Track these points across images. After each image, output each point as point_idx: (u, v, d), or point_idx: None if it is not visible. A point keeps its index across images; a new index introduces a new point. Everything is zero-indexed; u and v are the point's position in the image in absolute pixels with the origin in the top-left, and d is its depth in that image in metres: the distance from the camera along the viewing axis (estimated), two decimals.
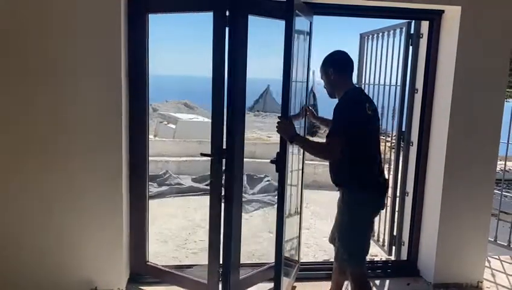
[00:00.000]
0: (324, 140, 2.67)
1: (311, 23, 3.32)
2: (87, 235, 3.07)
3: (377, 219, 4.22)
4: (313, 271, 3.66)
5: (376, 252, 4.31)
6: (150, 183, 3.40)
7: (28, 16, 2.83)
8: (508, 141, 4.27)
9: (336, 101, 2.75)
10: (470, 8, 3.20)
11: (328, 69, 2.75)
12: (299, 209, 3.57)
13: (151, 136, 3.35)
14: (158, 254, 4.09)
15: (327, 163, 2.90)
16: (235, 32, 2.93)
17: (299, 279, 3.45)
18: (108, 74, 2.95)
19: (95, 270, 3.11)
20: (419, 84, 3.61)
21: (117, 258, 3.14)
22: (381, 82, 4.25)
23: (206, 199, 6.68)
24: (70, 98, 2.94)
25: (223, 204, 3.09)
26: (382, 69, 4.20)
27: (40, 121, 2.94)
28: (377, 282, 3.59)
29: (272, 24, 3.04)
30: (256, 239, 4.80)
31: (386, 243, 4.03)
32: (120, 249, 3.13)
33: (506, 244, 4.34)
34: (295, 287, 3.35)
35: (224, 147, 3.04)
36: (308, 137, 3.59)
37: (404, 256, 3.82)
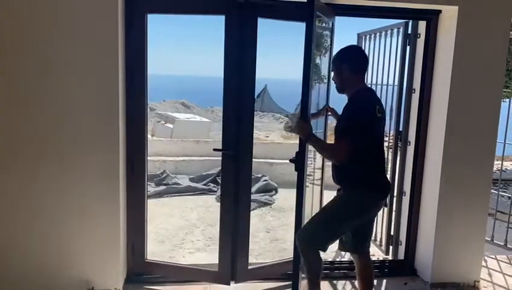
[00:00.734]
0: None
1: (333, 23, 3.39)
2: (84, 235, 3.07)
3: (374, 219, 4.27)
4: (328, 270, 3.64)
5: (373, 252, 4.32)
6: (147, 182, 3.42)
7: (26, 15, 2.82)
8: (504, 141, 4.28)
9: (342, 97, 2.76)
10: (467, 8, 3.20)
11: (342, 64, 2.68)
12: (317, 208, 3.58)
13: (148, 136, 3.36)
14: (155, 253, 4.08)
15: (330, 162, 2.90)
16: (245, 34, 3.11)
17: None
18: (105, 74, 2.94)
19: (92, 270, 3.10)
20: (417, 84, 3.61)
21: (114, 258, 3.13)
22: (379, 82, 4.25)
23: (203, 199, 6.72)
24: (67, 98, 2.93)
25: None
26: (379, 69, 4.21)
27: (37, 121, 2.93)
28: (374, 281, 3.59)
29: (273, 25, 3.10)
30: (253, 239, 4.78)
31: (383, 243, 4.04)
32: (117, 249, 3.12)
33: (502, 244, 4.35)
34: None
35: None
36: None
37: (401, 256, 3.82)
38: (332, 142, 2.73)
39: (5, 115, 2.91)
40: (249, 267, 3.41)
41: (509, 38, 3.34)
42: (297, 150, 2.74)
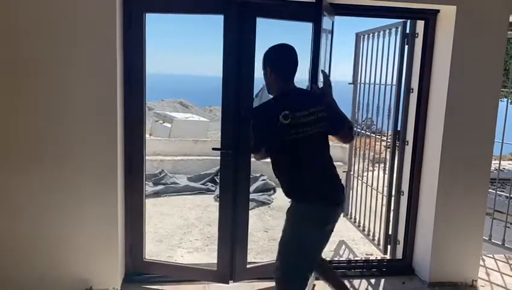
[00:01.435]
0: None
1: (332, 22, 3.39)
2: (82, 234, 3.06)
3: (372, 218, 4.29)
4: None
5: (371, 251, 4.33)
6: (145, 182, 3.43)
7: (24, 15, 2.82)
8: (502, 140, 4.28)
9: None
10: (465, 7, 3.21)
11: (265, 64, 2.50)
12: None
13: (146, 135, 3.36)
14: (153, 253, 4.08)
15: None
16: (244, 34, 3.11)
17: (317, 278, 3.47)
18: (103, 73, 2.94)
19: (90, 269, 3.10)
20: (415, 83, 3.62)
21: (112, 258, 3.13)
22: (377, 81, 4.26)
23: (201, 198, 6.71)
24: (65, 97, 2.93)
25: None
26: (378, 68, 4.22)
27: (35, 121, 2.93)
28: (372, 281, 3.60)
29: (272, 24, 3.12)
30: (252, 238, 4.78)
31: (381, 242, 4.05)
32: (115, 249, 3.12)
33: (500, 243, 4.36)
34: (314, 285, 3.34)
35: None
36: None
37: (399, 255, 3.83)
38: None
39: (2, 115, 2.90)
40: (248, 266, 3.41)
41: (507, 38, 3.34)
42: None
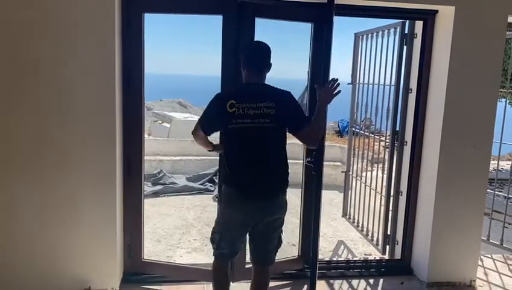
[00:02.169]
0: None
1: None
2: (81, 235, 3.06)
3: (371, 218, 4.29)
4: (325, 270, 3.66)
5: (370, 251, 4.33)
6: (144, 182, 3.43)
7: (23, 15, 2.81)
8: (501, 141, 4.29)
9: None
10: (463, 8, 3.21)
11: (239, 58, 2.66)
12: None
13: (145, 135, 3.35)
14: (152, 253, 4.08)
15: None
16: (242, 34, 3.11)
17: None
18: (102, 73, 2.93)
19: (89, 269, 3.10)
20: (413, 83, 3.62)
21: (111, 258, 3.12)
22: (376, 82, 4.26)
23: (200, 198, 6.71)
24: (63, 98, 2.92)
25: None
26: (376, 68, 4.22)
27: (32, 122, 2.92)
28: (371, 281, 3.61)
29: (270, 25, 3.13)
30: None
31: (380, 242, 4.05)
32: (114, 249, 3.12)
33: (498, 243, 4.36)
34: None
35: None
36: None
37: (398, 255, 3.83)
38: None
39: (1, 115, 2.90)
40: (246, 266, 3.39)
41: (505, 38, 3.35)
42: (315, 152, 2.79)
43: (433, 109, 3.49)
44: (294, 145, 9.34)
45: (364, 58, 4.48)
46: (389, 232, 3.94)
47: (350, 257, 4.28)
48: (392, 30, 3.88)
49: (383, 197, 4.16)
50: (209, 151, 2.82)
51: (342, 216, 5.14)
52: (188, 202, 6.25)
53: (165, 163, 7.82)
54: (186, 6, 3.20)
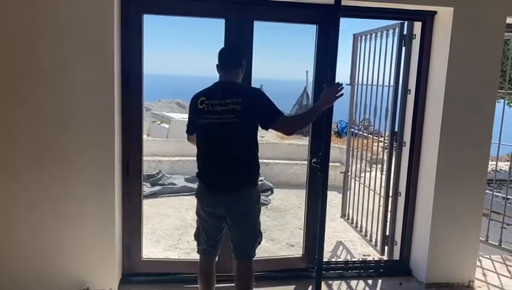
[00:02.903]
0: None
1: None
2: (79, 235, 3.06)
3: (370, 219, 4.29)
4: (323, 271, 3.60)
5: (369, 252, 4.34)
6: (143, 182, 3.44)
7: (23, 16, 2.81)
8: (499, 142, 4.30)
9: None
10: (462, 9, 3.22)
11: None
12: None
13: (144, 136, 3.36)
14: (150, 253, 4.08)
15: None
16: (242, 36, 3.20)
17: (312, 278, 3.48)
18: (101, 73, 2.93)
19: (88, 270, 3.10)
20: (412, 84, 3.62)
21: (109, 259, 3.12)
22: (374, 82, 4.27)
23: None
24: (62, 98, 2.92)
25: None
26: (375, 69, 4.22)
27: (31, 122, 2.92)
28: (369, 282, 3.61)
29: (269, 26, 3.14)
30: None
31: (378, 243, 4.05)
32: (113, 250, 3.12)
33: (497, 244, 4.37)
34: None
35: None
36: None
37: (396, 256, 3.84)
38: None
39: (1, 116, 2.89)
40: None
41: (504, 39, 3.35)
42: (321, 152, 2.81)
43: (431, 109, 3.49)
44: (293, 146, 9.31)
45: (363, 59, 4.49)
46: (387, 233, 3.94)
47: (349, 257, 4.29)
48: (390, 31, 3.88)
49: (381, 198, 4.17)
50: None
51: (341, 217, 5.14)
52: (187, 202, 6.25)
53: (163, 164, 7.82)
54: (187, 9, 3.21)
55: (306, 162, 3.57)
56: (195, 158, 2.74)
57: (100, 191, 3.04)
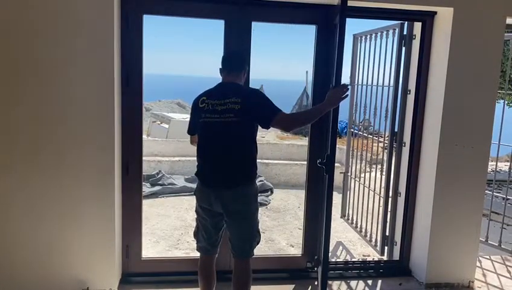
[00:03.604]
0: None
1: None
2: (79, 235, 3.06)
3: (369, 219, 4.29)
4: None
5: (368, 252, 4.34)
6: (143, 183, 3.44)
7: (23, 16, 2.81)
8: (499, 142, 4.30)
9: None
10: (462, 9, 3.22)
11: None
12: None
13: (144, 136, 3.37)
14: (150, 254, 4.08)
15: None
16: (241, 37, 3.23)
17: (314, 278, 3.55)
18: (100, 74, 2.93)
19: (87, 270, 3.10)
20: (412, 85, 3.62)
21: (109, 259, 3.12)
22: (374, 83, 4.27)
23: None
24: (62, 98, 2.92)
25: None
26: (375, 70, 4.22)
27: (31, 121, 2.92)
28: (369, 282, 3.61)
29: (268, 27, 3.16)
30: None
31: (378, 243, 4.05)
32: (112, 250, 3.12)
33: (497, 244, 4.37)
34: None
35: None
36: None
37: (396, 256, 3.84)
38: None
39: (1, 116, 2.89)
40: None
41: (503, 39, 3.35)
42: (327, 153, 2.82)
43: (431, 110, 3.49)
44: (293, 146, 9.30)
45: (363, 60, 4.49)
46: (387, 233, 3.94)
47: (348, 258, 4.28)
48: (390, 31, 3.89)
49: (381, 198, 4.17)
50: None
51: (341, 217, 5.14)
52: (187, 202, 6.25)
53: (163, 164, 7.82)
54: (187, 9, 3.23)
55: (306, 162, 3.58)
56: (195, 158, 2.76)
57: (100, 191, 3.04)
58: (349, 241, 4.71)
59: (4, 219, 3.00)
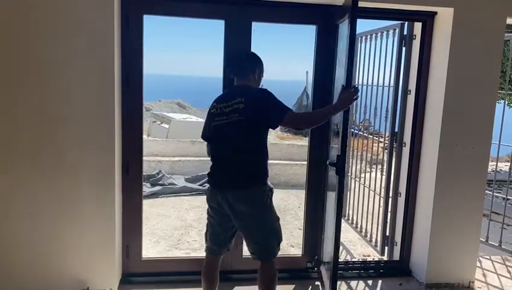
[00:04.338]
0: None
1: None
2: (79, 235, 3.06)
3: (370, 219, 4.29)
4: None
5: (368, 253, 4.33)
6: (143, 183, 3.44)
7: (23, 16, 2.81)
8: (499, 142, 4.30)
9: None
10: (462, 9, 3.22)
11: None
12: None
13: (144, 136, 3.38)
14: (150, 254, 4.08)
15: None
16: (241, 37, 3.23)
17: (315, 278, 3.55)
18: (101, 74, 2.93)
19: (87, 270, 3.10)
20: (412, 85, 3.62)
21: (109, 259, 3.12)
22: (375, 83, 4.27)
23: (199, 199, 6.71)
24: (62, 98, 2.92)
25: None
26: (375, 70, 4.22)
27: (31, 121, 2.92)
28: (369, 282, 3.61)
29: (269, 28, 3.16)
30: None
31: (378, 244, 4.05)
32: (113, 250, 3.12)
33: (497, 244, 4.37)
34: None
35: None
36: None
37: (396, 256, 3.83)
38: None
39: (1, 116, 2.89)
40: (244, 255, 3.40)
41: (504, 40, 3.35)
42: (339, 153, 2.82)
43: (432, 110, 3.49)
44: (293, 146, 9.30)
45: (363, 60, 4.49)
46: (387, 234, 3.94)
47: (349, 258, 4.28)
48: (391, 32, 3.88)
49: (381, 199, 4.17)
50: None
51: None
52: (187, 202, 6.25)
53: (163, 164, 7.82)
54: (187, 10, 3.23)
55: (306, 162, 3.57)
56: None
57: (100, 191, 3.04)
58: (350, 241, 4.71)
59: (4, 219, 3.00)
